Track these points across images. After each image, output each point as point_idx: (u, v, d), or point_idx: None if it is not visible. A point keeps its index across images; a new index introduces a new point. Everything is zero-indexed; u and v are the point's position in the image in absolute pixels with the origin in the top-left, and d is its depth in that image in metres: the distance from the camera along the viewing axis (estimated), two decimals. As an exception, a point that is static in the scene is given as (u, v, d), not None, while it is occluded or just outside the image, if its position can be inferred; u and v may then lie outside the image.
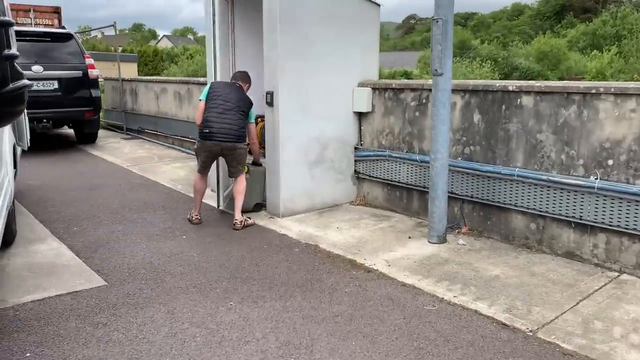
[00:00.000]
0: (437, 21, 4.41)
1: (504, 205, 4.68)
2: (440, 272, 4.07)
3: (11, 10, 13.20)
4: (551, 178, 4.29)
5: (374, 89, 5.81)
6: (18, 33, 9.64)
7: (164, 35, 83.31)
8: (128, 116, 11.76)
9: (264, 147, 6.08)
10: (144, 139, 11.07)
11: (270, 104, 5.45)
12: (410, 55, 51.83)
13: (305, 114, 5.56)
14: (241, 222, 5.18)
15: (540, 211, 4.41)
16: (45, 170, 7.95)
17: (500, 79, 37.82)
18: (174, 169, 8.10)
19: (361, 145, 6.04)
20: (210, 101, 5.13)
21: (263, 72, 5.54)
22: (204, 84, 8.96)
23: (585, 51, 51.35)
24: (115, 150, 9.72)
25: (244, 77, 5.41)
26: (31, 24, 12.87)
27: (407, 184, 5.51)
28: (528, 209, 4.49)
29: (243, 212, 5.31)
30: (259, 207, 5.76)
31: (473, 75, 38.66)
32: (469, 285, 3.82)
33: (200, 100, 5.28)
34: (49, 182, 7.13)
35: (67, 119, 9.52)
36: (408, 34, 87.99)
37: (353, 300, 3.60)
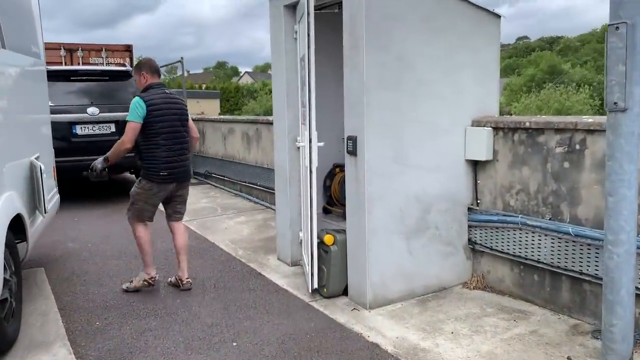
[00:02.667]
0: (618, 28, 2.78)
1: None
2: None
3: (83, 50, 12.79)
4: None
5: (496, 128, 4.20)
6: (73, 73, 9.09)
7: (245, 72, 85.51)
8: (195, 159, 10.76)
9: (343, 205, 4.63)
10: (210, 184, 9.97)
11: (352, 152, 3.99)
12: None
13: (400, 165, 4.04)
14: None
15: None
16: (94, 226, 6.91)
17: (601, 105, 34.37)
18: (237, 225, 6.79)
19: (478, 205, 4.41)
20: (161, 131, 4.21)
21: (342, 110, 4.11)
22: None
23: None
24: (177, 199, 8.62)
25: (150, 68, 4.39)
26: (103, 63, 12.38)
27: (552, 266, 3.80)
28: None
29: (331, 296, 4.17)
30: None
31: (569, 103, 35.62)
32: None
33: (132, 121, 4.14)
34: (92, 245, 6.02)
35: (126, 166, 8.55)
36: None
37: None
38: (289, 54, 4.88)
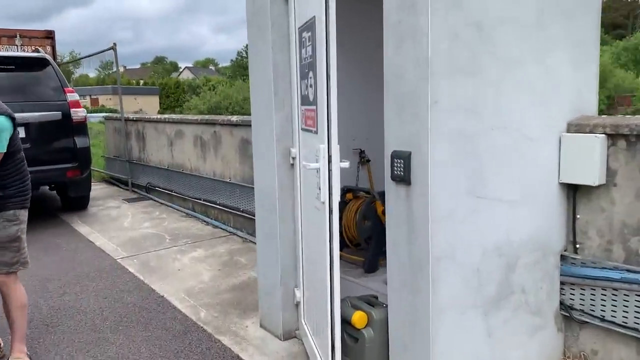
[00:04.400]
0: None
1: None
2: None
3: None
4: None
5: (612, 135, 2.71)
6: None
7: (185, 67, 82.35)
8: (134, 168, 8.86)
9: (359, 247, 3.10)
10: (154, 200, 8.10)
11: (402, 178, 2.40)
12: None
13: (477, 198, 2.49)
14: None
15: None
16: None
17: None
18: (193, 264, 5.05)
19: (576, 252, 2.92)
20: (17, 150, 3.07)
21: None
22: (239, 124, 5.99)
23: (628, 67, 48.41)
24: (111, 223, 6.73)
25: None
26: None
27: None
28: None
29: None
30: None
31: None
32: None
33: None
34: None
35: (42, 181, 6.58)
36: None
37: None
38: (278, 26, 3.22)
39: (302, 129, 3.05)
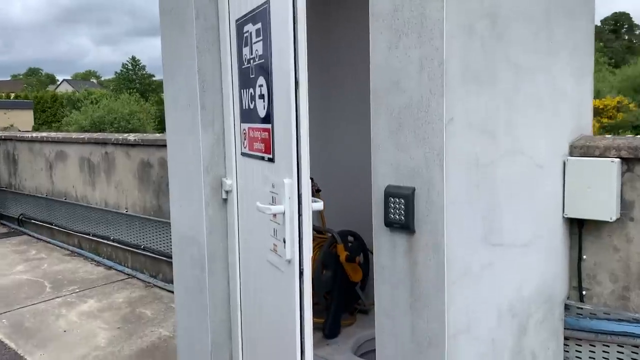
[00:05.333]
0: None
1: None
2: None
3: None
4: None
5: (626, 159, 2.25)
6: None
7: (63, 80, 76.62)
8: (3, 196, 7.40)
9: (346, 317, 2.42)
10: (29, 235, 6.75)
11: (402, 224, 1.74)
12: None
13: (492, 246, 1.89)
14: None
15: None
16: None
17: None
18: (84, 322, 4.00)
19: (582, 300, 2.42)
20: None
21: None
22: (137, 144, 5.03)
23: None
24: (-28, 267, 5.39)
25: None
26: None
27: None
28: None
29: None
30: None
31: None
32: None
33: None
34: None
35: None
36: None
37: None
38: (205, 17, 2.44)
39: (244, 154, 2.29)
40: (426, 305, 1.74)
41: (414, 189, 1.72)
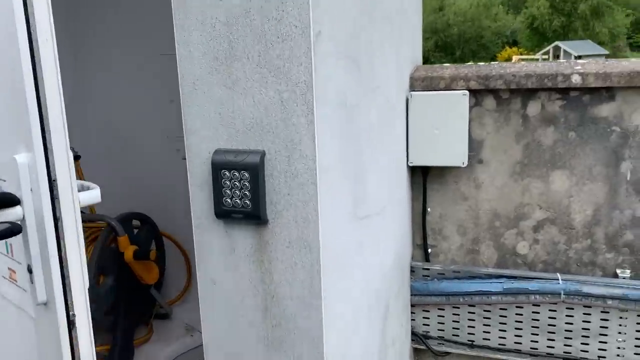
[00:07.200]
0: None
1: None
2: None
3: None
4: None
5: (474, 91, 1.89)
6: None
7: None
8: None
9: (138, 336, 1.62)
10: None
11: (248, 213, 1.05)
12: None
13: (359, 220, 1.34)
14: None
15: None
16: None
17: None
18: None
19: (428, 259, 2.08)
20: None
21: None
22: None
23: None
24: None
25: None
26: None
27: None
28: None
29: None
30: None
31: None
32: None
33: None
34: None
35: None
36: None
37: None
38: None
39: None
40: (292, 341, 1.11)
41: (263, 154, 1.03)
